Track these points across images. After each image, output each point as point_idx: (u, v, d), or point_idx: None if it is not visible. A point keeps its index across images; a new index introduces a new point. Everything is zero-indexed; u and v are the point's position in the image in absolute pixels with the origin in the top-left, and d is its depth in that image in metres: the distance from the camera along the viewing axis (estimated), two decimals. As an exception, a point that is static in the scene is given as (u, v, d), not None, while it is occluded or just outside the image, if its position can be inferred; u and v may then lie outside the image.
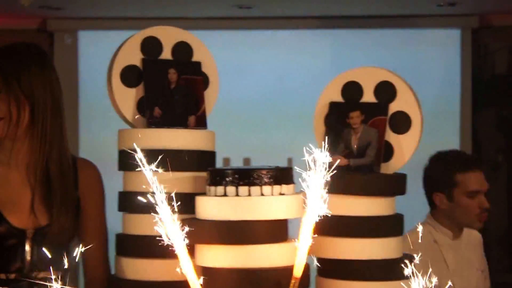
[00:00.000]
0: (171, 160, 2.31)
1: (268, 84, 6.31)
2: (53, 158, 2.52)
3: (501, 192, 6.43)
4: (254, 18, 6.32)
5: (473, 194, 3.48)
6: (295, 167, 1.98)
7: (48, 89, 2.51)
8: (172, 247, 1.90)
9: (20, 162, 2.54)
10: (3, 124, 2.49)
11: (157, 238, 1.94)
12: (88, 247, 2.54)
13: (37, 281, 2.42)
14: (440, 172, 3.54)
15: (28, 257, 2.49)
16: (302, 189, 1.94)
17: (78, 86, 6.18)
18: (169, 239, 1.90)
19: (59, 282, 1.85)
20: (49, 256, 2.29)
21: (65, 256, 2.52)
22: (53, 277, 2.10)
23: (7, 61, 2.52)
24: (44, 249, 2.42)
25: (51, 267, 2.29)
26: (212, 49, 2.66)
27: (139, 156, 2.00)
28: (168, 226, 1.90)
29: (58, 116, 2.54)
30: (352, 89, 2.50)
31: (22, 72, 2.49)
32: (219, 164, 2.51)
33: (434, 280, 1.86)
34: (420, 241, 2.37)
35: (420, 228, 2.17)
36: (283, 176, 2.09)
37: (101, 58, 2.96)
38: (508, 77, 6.47)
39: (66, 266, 2.51)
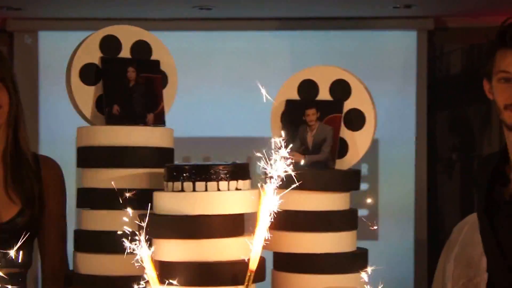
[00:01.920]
0: (129, 157, 2.33)
1: (227, 84, 6.33)
2: (23, 151, 2.53)
3: (455, 189, 6.51)
4: (214, 19, 6.32)
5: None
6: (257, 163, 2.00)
7: (16, 79, 2.54)
8: (130, 242, 1.91)
9: None
10: (2, 111, 2.50)
11: (115, 233, 1.96)
12: (47, 242, 2.55)
13: None
14: None
15: None
16: (258, 184, 1.97)
17: (38, 86, 6.13)
18: (127, 234, 1.91)
19: (20, 278, 1.84)
20: (10, 253, 2.30)
21: (26, 253, 2.54)
22: (12, 272, 2.11)
23: None
24: (4, 245, 2.44)
25: (11, 264, 2.31)
26: (172, 50, 2.67)
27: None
28: (126, 221, 1.91)
29: (21, 108, 2.56)
30: (308, 87, 2.53)
31: (10, 67, 2.54)
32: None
33: None
34: None
35: None
36: (239, 171, 2.11)
37: (61, 58, 2.95)
38: (462, 77, 6.55)
39: (26, 263, 2.53)
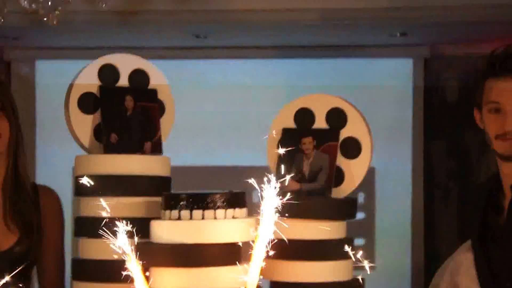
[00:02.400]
0: (127, 185, 2.34)
1: (224, 112, 6.34)
2: (22, 180, 2.55)
3: (453, 217, 6.51)
4: (210, 48, 6.35)
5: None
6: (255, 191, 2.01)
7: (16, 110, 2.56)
8: (128, 270, 1.92)
9: None
10: (2, 140, 2.53)
11: (113, 262, 1.97)
12: (45, 272, 2.56)
13: None
14: None
15: None
16: (255, 214, 1.98)
17: (35, 115, 6.15)
18: (125, 263, 1.93)
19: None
20: (9, 281, 2.32)
21: (24, 281, 2.55)
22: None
23: None
24: (2, 275, 2.45)
25: None
26: (169, 78, 2.70)
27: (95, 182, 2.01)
28: (124, 250, 1.92)
29: (21, 138, 2.58)
30: (304, 116, 2.55)
31: (10, 95, 2.57)
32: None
33: None
34: None
35: None
36: (236, 200, 2.13)
37: (58, 87, 2.97)
38: (459, 104, 6.57)
39: (24, 290, 2.54)
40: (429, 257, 5.92)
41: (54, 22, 1.88)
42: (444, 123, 6.56)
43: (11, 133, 2.52)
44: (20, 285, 2.35)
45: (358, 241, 5.64)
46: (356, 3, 5.57)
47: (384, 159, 5.62)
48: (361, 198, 5.72)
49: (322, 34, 6.01)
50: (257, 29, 5.80)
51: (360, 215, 5.76)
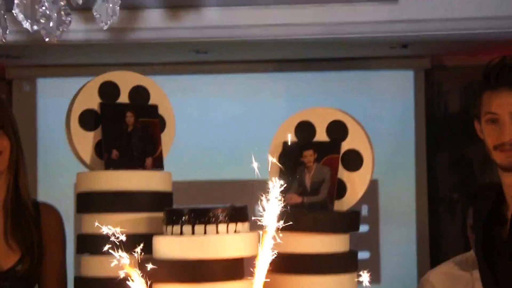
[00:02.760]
0: (128, 201, 2.35)
1: (224, 126, 6.35)
2: (23, 199, 2.56)
3: (457, 229, 6.50)
4: (210, 63, 6.37)
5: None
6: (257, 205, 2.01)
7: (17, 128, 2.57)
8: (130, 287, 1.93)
9: None
10: (3, 158, 2.54)
11: (116, 279, 1.97)
12: None
13: None
14: None
15: None
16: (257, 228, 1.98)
17: (36, 133, 6.17)
18: (128, 279, 1.93)
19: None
20: None
21: None
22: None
23: None
24: None
25: None
26: (169, 93, 2.71)
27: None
28: (127, 267, 1.93)
29: (22, 156, 2.59)
30: (305, 129, 2.56)
31: (11, 113, 2.58)
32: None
33: None
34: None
35: None
36: (238, 214, 2.13)
37: (59, 104, 2.99)
38: (461, 115, 6.57)
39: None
40: (435, 269, 5.91)
41: (55, 41, 1.89)
42: (447, 135, 6.56)
43: (12, 151, 2.52)
44: None
45: (363, 254, 5.62)
46: (356, 16, 5.58)
47: (387, 171, 5.61)
48: (365, 210, 5.71)
49: (322, 48, 6.02)
50: (257, 43, 5.82)
51: (364, 228, 5.76)
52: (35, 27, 1.85)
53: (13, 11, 1.86)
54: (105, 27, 1.88)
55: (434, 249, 6.05)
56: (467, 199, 3.53)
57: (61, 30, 1.87)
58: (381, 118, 6.05)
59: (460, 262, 3.52)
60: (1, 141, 2.51)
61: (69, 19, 1.83)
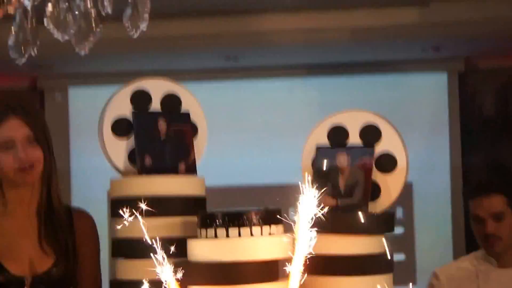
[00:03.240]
0: (163, 206, 2.37)
1: (257, 132, 6.37)
2: (55, 206, 2.60)
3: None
4: (241, 69, 6.39)
5: (477, 220, 3.52)
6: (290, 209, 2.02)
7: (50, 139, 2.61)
8: (166, 290, 1.95)
9: (19, 211, 2.61)
10: (32, 171, 2.55)
11: (151, 282, 1.99)
12: None
13: None
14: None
15: None
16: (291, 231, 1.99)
17: (69, 141, 6.22)
18: (163, 282, 1.95)
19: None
20: None
21: None
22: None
23: (31, 110, 2.60)
24: None
25: None
26: (201, 100, 2.72)
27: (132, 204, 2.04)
28: (162, 270, 1.95)
29: (55, 166, 2.62)
30: (338, 132, 2.56)
31: (43, 120, 2.60)
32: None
33: None
34: None
35: None
36: (271, 216, 2.14)
37: (91, 112, 3.01)
38: (496, 118, 6.53)
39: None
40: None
41: (86, 51, 1.91)
42: (481, 137, 6.52)
43: (45, 162, 2.55)
44: None
45: (399, 257, 5.61)
46: (387, 20, 5.58)
47: (422, 174, 5.60)
48: (399, 212, 5.70)
49: (354, 52, 6.02)
50: (289, 49, 5.84)
51: (399, 230, 5.75)
52: (66, 37, 1.88)
53: (44, 22, 1.90)
54: (135, 35, 1.91)
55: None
56: (467, 192, 3.73)
57: (91, 40, 1.90)
58: (415, 121, 6.04)
59: (464, 259, 3.73)
60: (34, 153, 2.54)
61: (99, 29, 1.86)
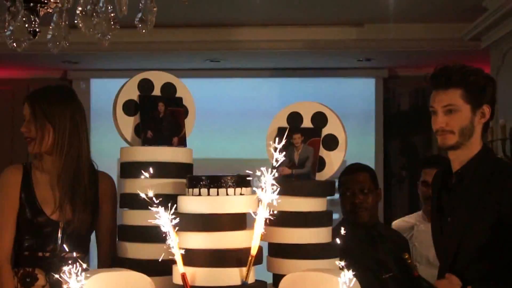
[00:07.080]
0: (160, 169, 2.32)
1: (233, 118, 6.38)
2: (75, 169, 2.53)
3: (405, 200, 6.51)
4: (222, 69, 6.37)
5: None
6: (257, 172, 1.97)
7: (68, 117, 2.53)
8: (162, 234, 1.91)
9: (51, 169, 2.55)
10: (34, 143, 2.53)
11: (150, 227, 1.95)
12: (102, 243, 2.57)
13: (65, 259, 2.42)
14: None
15: (59, 241, 2.49)
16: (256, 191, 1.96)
17: (90, 120, 6.15)
18: (159, 227, 1.91)
19: (80, 261, 1.85)
20: (74, 241, 2.40)
21: (85, 242, 2.54)
22: (76, 256, 2.13)
23: (37, 96, 2.55)
24: (70, 236, 2.47)
25: (75, 249, 2.38)
26: (191, 91, 2.67)
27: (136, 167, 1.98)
28: (160, 218, 1.91)
29: (76, 138, 2.55)
30: (294, 117, 2.52)
31: (48, 104, 2.52)
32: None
33: None
34: None
35: None
36: (242, 181, 2.10)
37: (107, 99, 2.95)
38: (410, 113, 6.58)
39: (85, 249, 2.54)
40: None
41: (106, 45, 1.85)
42: (399, 128, 6.56)
43: (55, 135, 2.50)
44: (78, 254, 2.36)
45: (335, 215, 5.62)
46: (331, 36, 5.58)
47: (353, 154, 5.57)
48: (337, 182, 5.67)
49: (306, 59, 6.02)
50: (258, 54, 5.83)
51: (337, 195, 5.73)
52: (91, 31, 1.82)
53: (75, 21, 1.83)
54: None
55: (386, 214, 6.06)
56: (420, 165, 3.80)
57: (109, 35, 1.84)
58: (349, 114, 6.02)
59: (411, 216, 3.75)
60: (30, 128, 2.52)
61: (118, 26, 1.80)
